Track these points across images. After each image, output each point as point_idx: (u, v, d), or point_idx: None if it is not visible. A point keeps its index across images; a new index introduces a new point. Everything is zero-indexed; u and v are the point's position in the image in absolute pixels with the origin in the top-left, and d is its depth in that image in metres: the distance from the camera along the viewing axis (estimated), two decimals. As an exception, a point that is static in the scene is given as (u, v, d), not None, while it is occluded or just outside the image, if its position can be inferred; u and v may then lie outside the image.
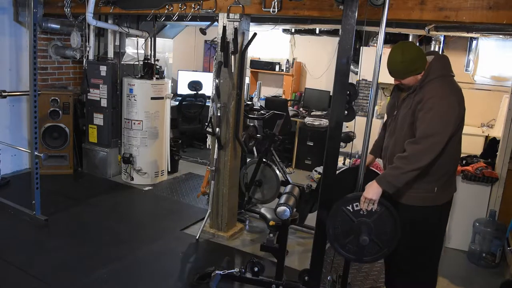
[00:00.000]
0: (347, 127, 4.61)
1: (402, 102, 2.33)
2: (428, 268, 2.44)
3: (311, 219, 3.43)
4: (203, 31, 3.82)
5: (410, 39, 5.36)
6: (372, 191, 2.19)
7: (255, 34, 3.49)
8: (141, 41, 5.13)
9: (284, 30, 6.33)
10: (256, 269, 2.82)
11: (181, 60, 7.28)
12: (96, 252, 3.36)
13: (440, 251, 2.53)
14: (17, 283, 2.88)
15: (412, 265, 2.38)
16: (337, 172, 2.50)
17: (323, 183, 2.37)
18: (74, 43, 4.86)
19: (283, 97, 6.61)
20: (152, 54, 5.04)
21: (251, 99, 5.84)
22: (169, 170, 5.27)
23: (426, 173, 2.21)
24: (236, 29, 3.36)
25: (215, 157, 3.66)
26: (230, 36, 3.37)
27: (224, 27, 3.39)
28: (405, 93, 2.33)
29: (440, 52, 5.30)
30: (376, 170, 2.63)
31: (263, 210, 2.98)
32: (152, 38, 5.04)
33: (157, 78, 4.89)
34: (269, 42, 6.90)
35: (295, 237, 3.87)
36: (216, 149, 3.64)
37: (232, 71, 3.47)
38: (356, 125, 2.75)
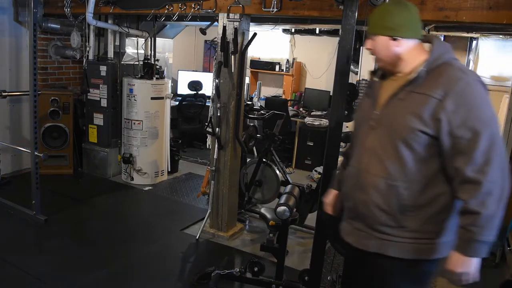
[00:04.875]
0: (347, 127, 4.60)
1: (389, 100, 1.58)
2: None
3: (311, 219, 3.43)
4: (203, 31, 3.82)
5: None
6: (467, 268, 1.44)
7: (255, 34, 3.49)
8: (141, 41, 5.13)
9: (284, 30, 6.32)
10: (256, 269, 2.82)
11: (181, 60, 7.27)
12: (96, 252, 3.36)
13: None
14: (17, 283, 2.88)
15: None
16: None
17: (323, 183, 2.37)
18: (74, 43, 4.85)
19: (283, 97, 6.61)
20: (152, 54, 5.04)
21: (251, 99, 5.84)
22: (169, 170, 5.27)
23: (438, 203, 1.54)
24: (236, 29, 3.36)
25: (215, 157, 3.66)
26: (230, 36, 3.37)
27: (224, 27, 3.39)
28: (391, 86, 1.59)
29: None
30: None
31: (263, 210, 2.98)
32: (152, 38, 5.03)
33: (157, 78, 4.88)
34: (269, 42, 6.89)
35: (295, 237, 3.87)
36: (216, 149, 3.64)
37: (232, 71, 3.47)
38: (356, 125, 2.74)
